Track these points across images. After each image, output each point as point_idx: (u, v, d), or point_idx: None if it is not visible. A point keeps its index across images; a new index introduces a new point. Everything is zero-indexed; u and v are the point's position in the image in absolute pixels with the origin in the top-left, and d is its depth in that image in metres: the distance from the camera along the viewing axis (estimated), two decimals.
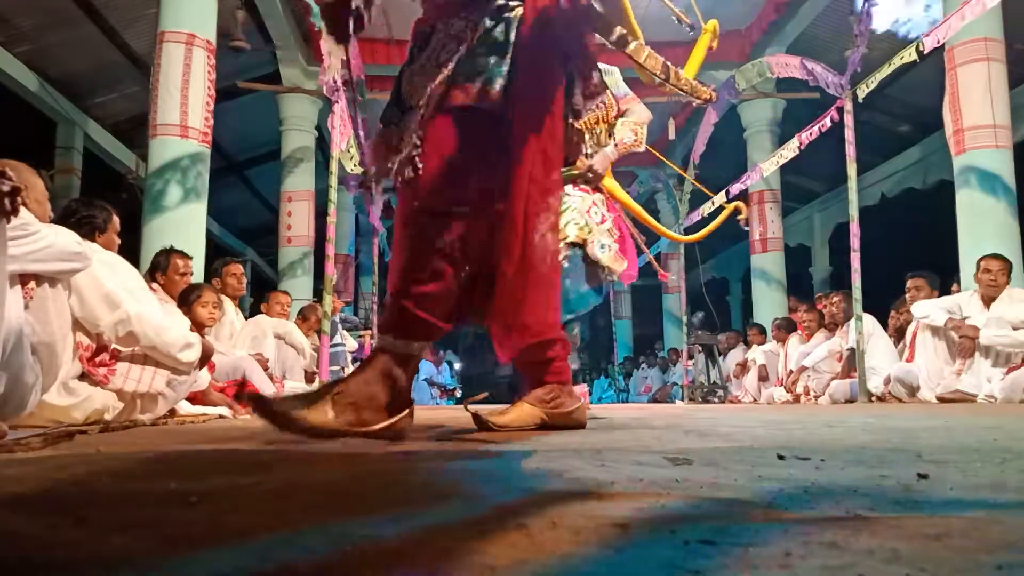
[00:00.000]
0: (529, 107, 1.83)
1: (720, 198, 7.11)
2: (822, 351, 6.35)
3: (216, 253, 6.19)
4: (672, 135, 8.43)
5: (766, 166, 6.80)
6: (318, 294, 6.80)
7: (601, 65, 2.40)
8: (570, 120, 1.92)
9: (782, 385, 7.02)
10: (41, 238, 2.11)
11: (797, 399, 6.53)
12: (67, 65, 7.76)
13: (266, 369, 4.59)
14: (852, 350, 5.52)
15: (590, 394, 12.02)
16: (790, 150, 6.22)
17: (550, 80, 1.88)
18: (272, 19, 7.84)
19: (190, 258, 3.92)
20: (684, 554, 0.53)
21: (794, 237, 12.59)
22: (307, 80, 8.72)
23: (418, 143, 1.79)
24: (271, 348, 5.07)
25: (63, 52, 7.58)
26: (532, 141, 1.81)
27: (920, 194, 9.90)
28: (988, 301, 4.76)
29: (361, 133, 5.63)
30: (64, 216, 2.82)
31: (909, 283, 5.42)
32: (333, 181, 4.83)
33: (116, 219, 3.02)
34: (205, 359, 3.07)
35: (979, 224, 5.53)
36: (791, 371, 6.79)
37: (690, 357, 8.73)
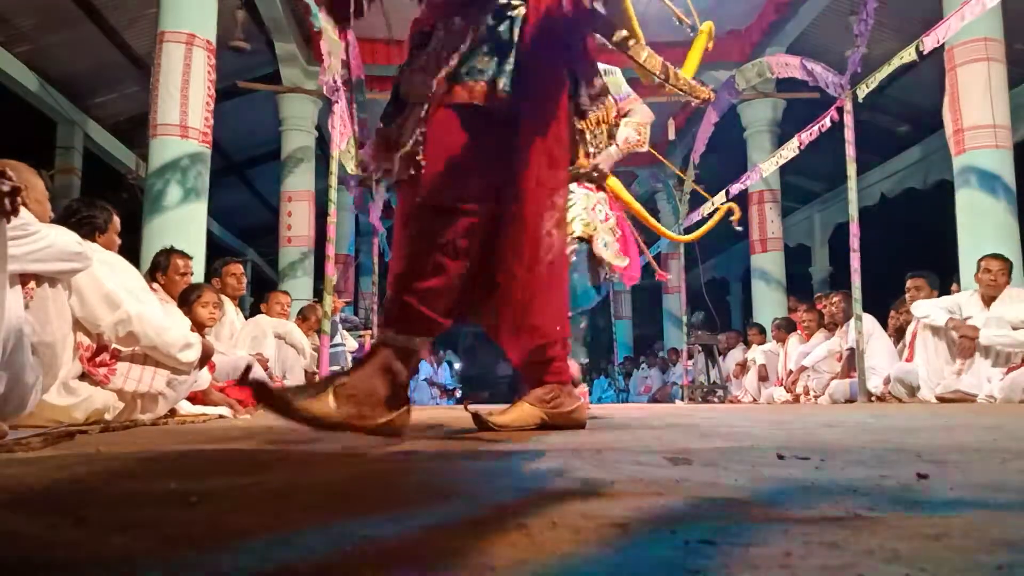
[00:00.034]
0: (535, 109, 1.84)
1: (719, 198, 7.10)
2: (822, 351, 6.35)
3: (216, 253, 6.18)
4: (672, 135, 8.43)
5: (766, 166, 6.80)
6: (318, 294, 6.79)
7: (602, 66, 2.40)
8: (574, 120, 1.93)
9: (782, 385, 7.01)
10: (41, 238, 2.11)
11: (797, 399, 6.53)
12: (67, 65, 7.75)
13: (266, 369, 4.59)
14: (852, 350, 5.51)
15: (590, 394, 12.00)
16: (790, 150, 6.21)
17: (555, 81, 1.89)
18: (272, 19, 7.84)
19: (190, 258, 3.92)
20: (684, 554, 0.53)
21: (794, 237, 12.58)
22: (307, 80, 8.71)
23: (420, 140, 1.79)
24: (271, 348, 5.08)
25: (63, 52, 7.58)
26: (538, 143, 1.82)
27: (920, 194, 9.89)
28: (988, 301, 4.76)
29: (358, 131, 5.62)
30: (65, 216, 2.82)
31: (909, 283, 5.41)
32: (333, 181, 4.83)
33: (116, 219, 3.02)
34: (205, 359, 3.07)
35: (979, 224, 5.53)
36: (791, 371, 6.78)
37: (690, 357, 8.73)
